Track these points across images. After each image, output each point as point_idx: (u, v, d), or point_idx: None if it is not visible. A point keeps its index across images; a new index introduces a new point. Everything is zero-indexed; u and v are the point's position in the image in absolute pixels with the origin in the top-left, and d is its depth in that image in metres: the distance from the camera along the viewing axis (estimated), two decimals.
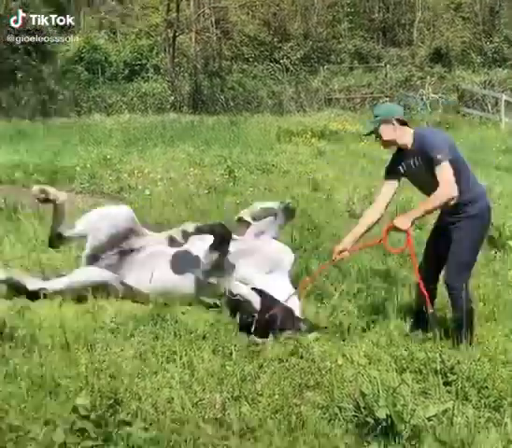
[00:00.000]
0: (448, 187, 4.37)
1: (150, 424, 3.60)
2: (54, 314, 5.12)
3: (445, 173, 4.38)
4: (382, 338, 4.90)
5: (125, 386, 4.03)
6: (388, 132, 4.63)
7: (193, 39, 26.41)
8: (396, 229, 4.55)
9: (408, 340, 4.88)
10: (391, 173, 4.79)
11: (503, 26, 30.40)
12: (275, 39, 28.31)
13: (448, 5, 31.51)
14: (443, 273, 4.83)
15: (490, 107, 23.83)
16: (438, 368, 4.30)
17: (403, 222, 4.50)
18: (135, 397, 3.93)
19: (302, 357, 4.56)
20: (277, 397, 3.97)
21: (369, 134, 4.89)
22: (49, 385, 3.96)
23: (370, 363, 4.51)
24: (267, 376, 4.26)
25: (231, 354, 4.57)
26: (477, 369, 4.32)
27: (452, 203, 4.48)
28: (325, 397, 4.02)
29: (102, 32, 26.68)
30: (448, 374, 4.25)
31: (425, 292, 4.68)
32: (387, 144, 4.76)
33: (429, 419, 3.66)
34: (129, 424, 3.45)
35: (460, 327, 4.68)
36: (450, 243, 4.66)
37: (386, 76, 27.57)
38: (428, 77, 26.88)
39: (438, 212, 4.82)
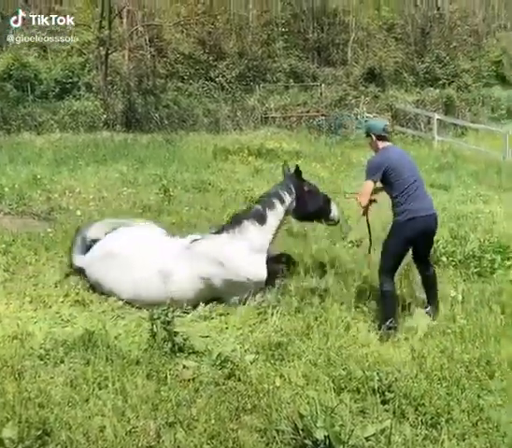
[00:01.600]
0: (360, 196, 5.72)
1: None
2: None
3: (363, 187, 5.71)
4: (320, 357, 4.85)
5: (55, 416, 3.89)
6: (368, 143, 6.01)
7: (127, 57, 26.16)
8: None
9: (346, 358, 4.86)
10: None
11: (434, 47, 31.24)
12: (210, 57, 28.32)
13: (381, 25, 32.20)
14: None
15: (422, 126, 24.44)
16: (376, 386, 4.29)
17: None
18: (65, 426, 3.80)
19: (239, 380, 4.49)
20: (213, 421, 3.89)
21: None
22: None
23: (308, 384, 4.47)
24: (203, 400, 4.17)
25: (165, 378, 4.46)
26: (414, 386, 4.34)
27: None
28: (263, 420, 3.96)
29: (32, 49, 26.18)
30: (386, 393, 4.25)
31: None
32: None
33: (367, 439, 3.64)
34: None
35: (383, 311, 5.64)
36: None
37: (321, 95, 27.94)
38: (362, 97, 27.38)
39: None
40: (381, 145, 5.83)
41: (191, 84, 27.37)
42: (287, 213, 6.36)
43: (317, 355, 4.90)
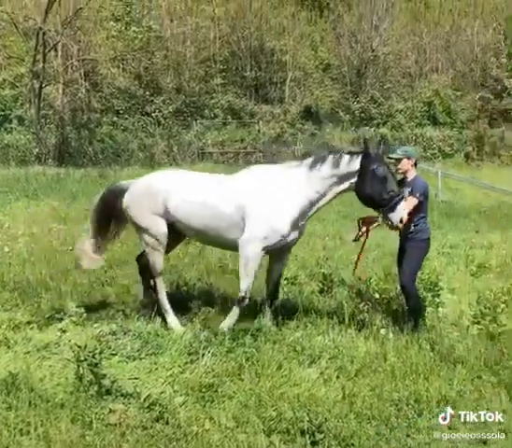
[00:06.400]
0: (404, 210, 6.10)
1: None
2: None
3: (407, 203, 6.22)
4: (251, 398, 4.78)
5: None
6: (407, 165, 6.61)
7: (61, 91, 25.98)
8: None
9: (277, 399, 4.79)
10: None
11: (369, 87, 32.21)
12: (146, 92, 28.41)
13: (318, 65, 33.04)
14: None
15: None
16: (306, 427, 4.24)
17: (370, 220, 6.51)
18: None
19: (167, 423, 4.37)
20: None
21: (396, 159, 6.65)
22: None
23: (238, 426, 4.39)
24: (130, 445, 4.04)
25: (91, 423, 4.31)
26: (344, 426, 4.31)
27: (411, 229, 6.51)
28: None
29: None
30: (316, 433, 4.21)
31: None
32: (399, 170, 6.66)
33: None
34: None
35: (413, 311, 6.62)
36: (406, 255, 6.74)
37: (259, 131, 28.35)
38: (299, 134, 27.86)
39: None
40: (414, 171, 6.69)
41: (126, 119, 27.32)
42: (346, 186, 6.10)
43: (248, 396, 4.82)
